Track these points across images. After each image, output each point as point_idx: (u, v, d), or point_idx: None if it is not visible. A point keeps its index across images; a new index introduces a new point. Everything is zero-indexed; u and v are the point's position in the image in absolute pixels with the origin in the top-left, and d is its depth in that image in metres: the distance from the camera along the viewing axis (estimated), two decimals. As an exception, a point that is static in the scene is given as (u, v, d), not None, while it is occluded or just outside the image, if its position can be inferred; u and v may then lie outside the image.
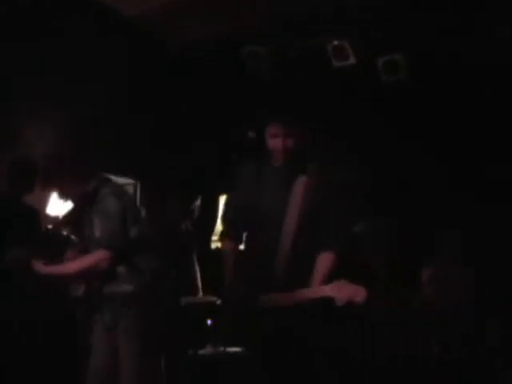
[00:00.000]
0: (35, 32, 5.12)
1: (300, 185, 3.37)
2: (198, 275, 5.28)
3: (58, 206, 5.06)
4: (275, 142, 3.40)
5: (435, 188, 5.90)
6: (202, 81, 6.36)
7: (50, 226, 4.91)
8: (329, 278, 3.24)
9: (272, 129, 3.42)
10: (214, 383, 4.46)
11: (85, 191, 3.77)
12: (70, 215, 4.33)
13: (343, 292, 3.08)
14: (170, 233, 5.58)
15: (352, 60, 5.84)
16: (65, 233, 4.94)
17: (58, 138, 4.95)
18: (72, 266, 3.75)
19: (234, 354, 4.60)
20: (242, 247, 3.56)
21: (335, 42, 5.81)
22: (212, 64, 6.29)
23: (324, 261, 3.29)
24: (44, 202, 5.06)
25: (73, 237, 4.94)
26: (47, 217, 5.06)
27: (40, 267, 3.72)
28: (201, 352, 4.65)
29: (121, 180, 6.41)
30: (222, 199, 5.38)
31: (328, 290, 3.13)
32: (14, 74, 5.01)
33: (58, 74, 5.31)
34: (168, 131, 6.36)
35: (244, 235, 3.54)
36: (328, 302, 3.13)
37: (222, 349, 4.69)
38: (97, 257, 3.67)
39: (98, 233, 3.68)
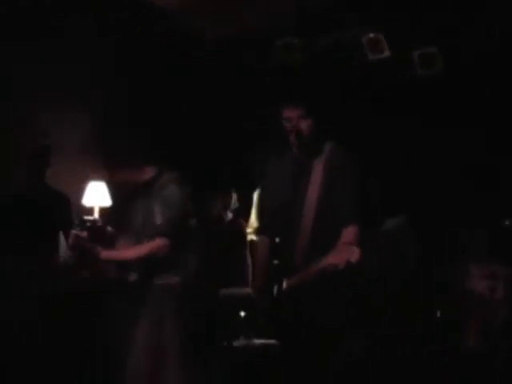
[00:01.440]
0: (60, 23, 5.17)
1: (317, 167, 3.36)
2: (250, 270, 5.27)
3: (93, 197, 5.12)
4: (289, 125, 3.37)
5: (462, 186, 5.87)
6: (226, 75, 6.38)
7: (86, 217, 4.96)
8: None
9: (285, 112, 3.38)
10: (247, 375, 4.48)
11: (141, 179, 3.77)
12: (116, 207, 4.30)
13: (341, 255, 3.11)
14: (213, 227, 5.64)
15: (387, 53, 5.81)
16: (100, 224, 4.99)
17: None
18: (129, 252, 3.76)
19: (267, 346, 4.62)
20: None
21: (371, 35, 5.78)
22: (239, 59, 6.30)
23: (345, 233, 3.27)
24: (79, 193, 5.12)
25: (109, 228, 4.99)
26: (83, 208, 5.11)
27: (100, 251, 3.73)
28: (234, 344, 4.67)
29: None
30: (258, 193, 5.39)
31: (330, 258, 3.14)
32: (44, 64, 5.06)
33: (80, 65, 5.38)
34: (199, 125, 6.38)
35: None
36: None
37: (255, 341, 4.70)
38: (155, 244, 3.66)
39: (158, 220, 3.68)
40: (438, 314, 4.94)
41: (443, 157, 5.98)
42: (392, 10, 5.59)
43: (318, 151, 3.40)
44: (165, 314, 3.66)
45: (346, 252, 3.13)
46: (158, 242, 3.65)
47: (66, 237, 4.00)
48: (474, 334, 4.91)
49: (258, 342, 4.71)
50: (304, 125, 3.35)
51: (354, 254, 3.12)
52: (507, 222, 5.04)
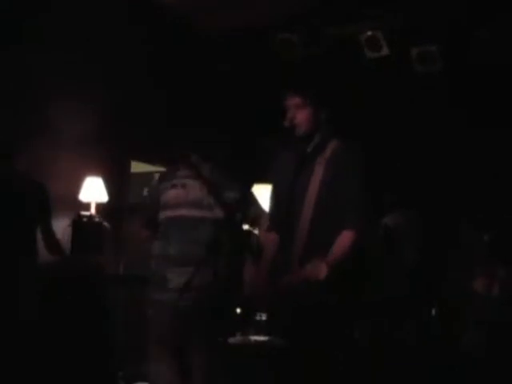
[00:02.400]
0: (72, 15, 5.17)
1: (319, 165, 3.29)
2: None
3: (90, 193, 5.11)
4: (288, 114, 3.31)
5: (464, 183, 5.86)
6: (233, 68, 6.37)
7: (83, 213, 4.96)
8: (345, 256, 3.16)
9: (286, 101, 3.33)
10: (244, 372, 4.48)
11: None
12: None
13: (308, 271, 3.10)
14: None
15: (385, 51, 5.78)
16: (97, 219, 5.00)
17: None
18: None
19: (264, 343, 4.61)
20: None
21: (369, 33, 5.76)
22: (243, 51, 6.29)
23: (341, 238, 3.17)
24: (76, 188, 5.12)
25: (105, 223, 4.99)
26: (80, 203, 5.11)
27: None
28: (230, 340, 4.66)
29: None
30: (255, 189, 5.36)
31: (306, 271, 3.12)
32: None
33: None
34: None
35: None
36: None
37: (251, 338, 4.70)
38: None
39: None
40: (434, 312, 4.96)
41: (450, 153, 5.96)
42: (391, 7, 5.58)
43: (321, 148, 3.33)
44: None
45: (312, 267, 3.10)
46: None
47: (44, 227, 4.00)
48: (473, 330, 4.93)
49: (254, 338, 4.71)
50: (300, 115, 3.29)
51: (321, 273, 3.09)
52: (486, 237, 5.03)
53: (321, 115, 3.32)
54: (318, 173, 3.28)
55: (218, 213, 3.55)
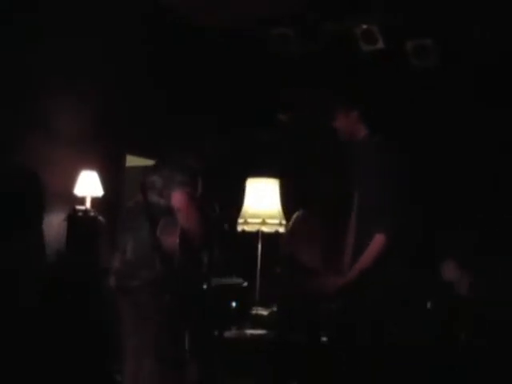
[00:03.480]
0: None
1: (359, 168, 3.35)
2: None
3: (85, 187, 5.10)
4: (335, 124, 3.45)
5: (463, 182, 5.84)
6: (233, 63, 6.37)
7: (78, 207, 4.95)
8: (372, 262, 3.19)
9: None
10: (240, 366, 4.49)
11: None
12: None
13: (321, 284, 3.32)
14: None
15: (380, 44, 5.78)
16: (92, 214, 4.99)
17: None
18: None
19: (260, 336, 4.63)
20: None
21: (364, 26, 5.75)
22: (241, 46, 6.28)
23: (372, 243, 3.18)
24: (71, 183, 5.11)
25: (100, 218, 4.99)
26: (75, 197, 5.10)
27: None
28: (226, 334, 4.67)
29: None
30: (249, 183, 5.36)
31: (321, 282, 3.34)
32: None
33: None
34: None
35: None
36: None
37: (247, 331, 4.71)
38: None
39: None
40: (429, 306, 4.96)
41: (448, 151, 5.94)
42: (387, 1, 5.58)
43: (362, 150, 3.38)
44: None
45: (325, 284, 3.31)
46: None
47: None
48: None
49: (249, 332, 4.72)
50: (338, 121, 3.40)
51: (330, 288, 3.30)
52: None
53: (353, 117, 3.38)
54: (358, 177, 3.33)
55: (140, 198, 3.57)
